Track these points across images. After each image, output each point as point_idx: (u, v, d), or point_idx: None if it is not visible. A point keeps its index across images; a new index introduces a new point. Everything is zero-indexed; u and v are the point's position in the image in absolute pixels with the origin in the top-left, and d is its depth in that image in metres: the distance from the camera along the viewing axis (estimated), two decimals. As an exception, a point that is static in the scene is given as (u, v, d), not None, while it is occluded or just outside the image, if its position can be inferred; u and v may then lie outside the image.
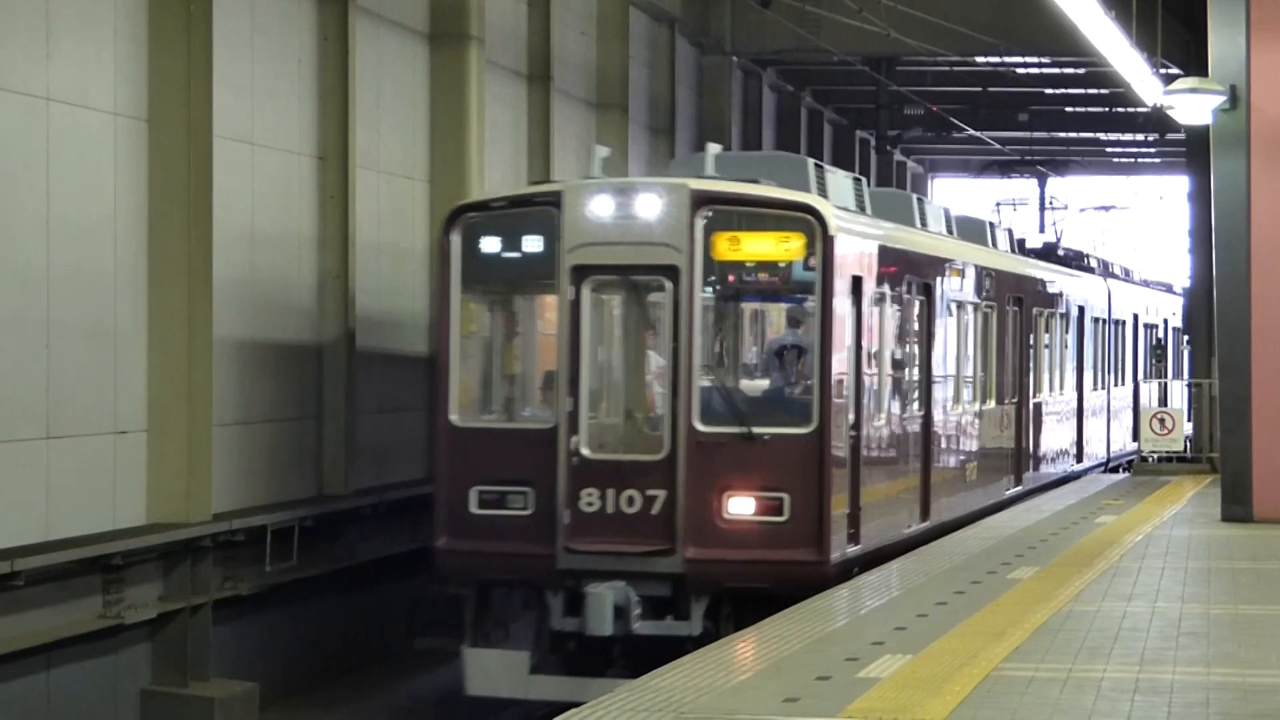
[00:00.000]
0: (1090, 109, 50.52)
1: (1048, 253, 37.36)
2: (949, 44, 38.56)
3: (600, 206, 17.62)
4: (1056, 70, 43.77)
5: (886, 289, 20.73)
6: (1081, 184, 64.94)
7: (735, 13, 38.71)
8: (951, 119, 50.52)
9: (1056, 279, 36.07)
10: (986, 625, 15.27)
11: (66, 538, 18.77)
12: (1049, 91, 49.10)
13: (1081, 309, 37.19)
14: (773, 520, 17.24)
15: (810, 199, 18.33)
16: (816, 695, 12.04)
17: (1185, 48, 29.32)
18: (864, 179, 23.20)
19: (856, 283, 18.90)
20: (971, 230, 28.98)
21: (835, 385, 18.26)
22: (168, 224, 20.13)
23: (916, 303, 22.38)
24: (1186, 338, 44.84)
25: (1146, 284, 50.45)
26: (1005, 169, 55.73)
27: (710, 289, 17.86)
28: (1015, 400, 30.56)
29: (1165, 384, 44.46)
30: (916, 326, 22.53)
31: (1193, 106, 24.63)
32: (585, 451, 17.46)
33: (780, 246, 17.70)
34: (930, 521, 22.10)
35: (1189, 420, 37.92)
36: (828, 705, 11.69)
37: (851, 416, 18.83)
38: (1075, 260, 39.00)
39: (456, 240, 18.35)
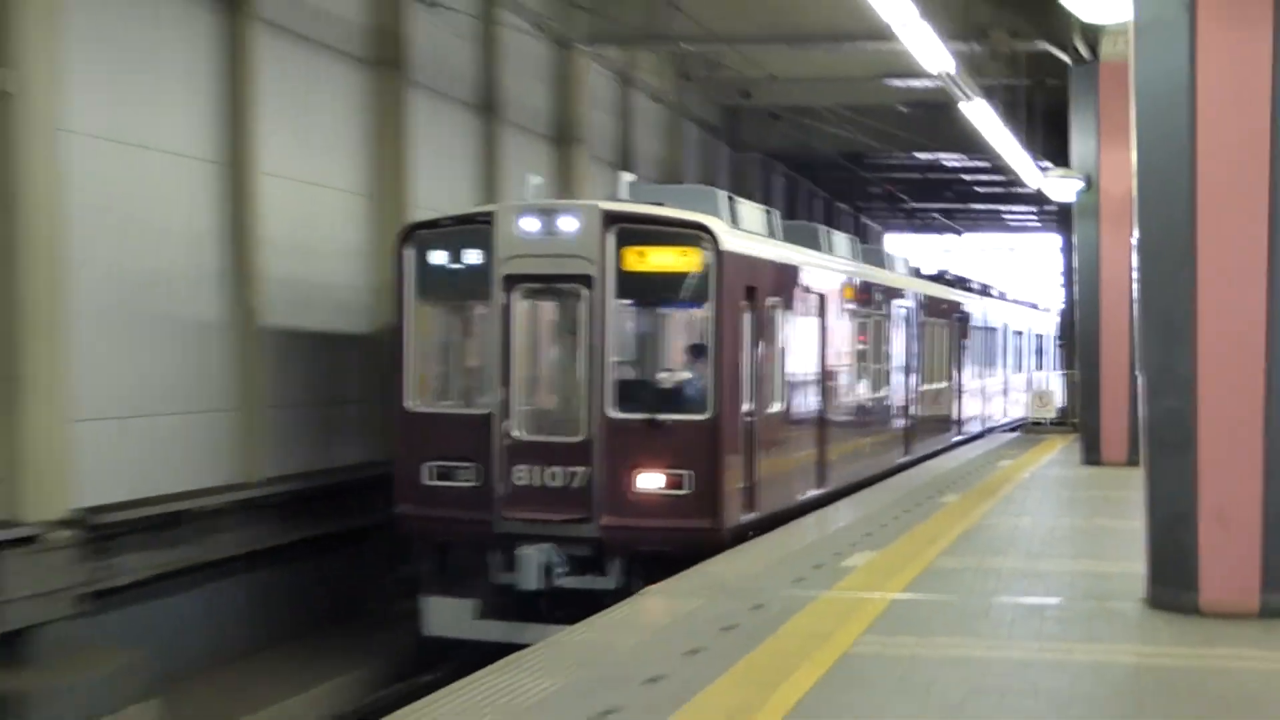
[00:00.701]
0: (993, 189, 50.96)
1: (939, 277, 36.08)
2: (898, 145, 39.01)
3: (527, 225, 16.07)
4: (971, 163, 43.97)
5: (781, 297, 18.58)
6: (985, 238, 70.39)
7: (756, 122, 39.29)
8: (899, 194, 51.50)
9: (944, 294, 33.18)
10: (925, 533, 15.69)
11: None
12: (965, 177, 49.36)
13: (965, 317, 34.86)
14: (676, 493, 15.55)
15: (705, 219, 16.47)
16: (815, 578, 12.63)
17: (1057, 149, 29.87)
18: (776, 211, 21.23)
19: (751, 291, 17.05)
20: (872, 256, 27.03)
21: (729, 378, 16.26)
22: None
23: (813, 309, 20.25)
24: (1059, 342, 47.63)
25: (1033, 306, 51.42)
26: (934, 228, 62.56)
27: (621, 296, 16.10)
28: (903, 387, 27.65)
29: (1045, 373, 47.86)
30: (813, 328, 20.25)
31: (1061, 189, 25.73)
32: (517, 434, 16.01)
33: (680, 259, 16.08)
34: (827, 488, 20.09)
35: (1061, 398, 39.41)
36: (824, 583, 12.34)
37: (749, 404, 16.86)
38: (960, 283, 37.92)
39: (410, 253, 16.73)
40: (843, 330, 21.96)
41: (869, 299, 24.18)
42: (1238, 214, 10.75)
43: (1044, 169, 28.46)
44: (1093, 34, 23.87)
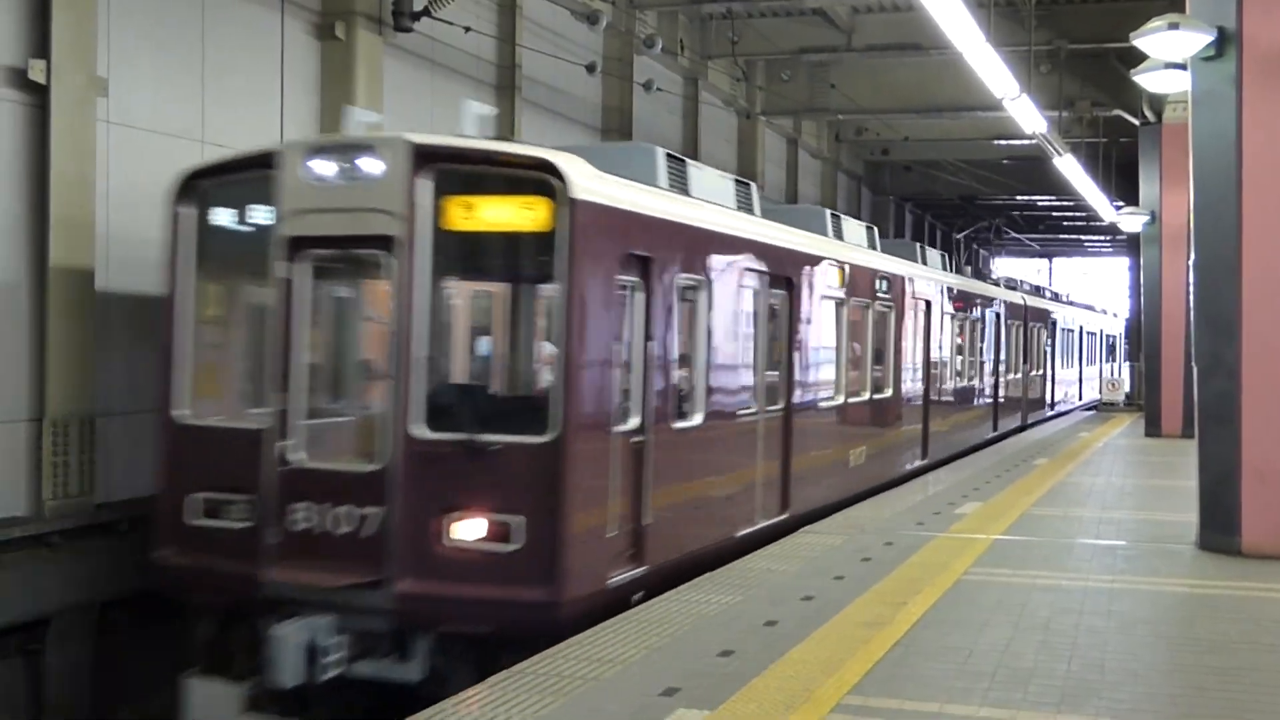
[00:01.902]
0: (1076, 222, 49.76)
1: (1035, 290, 34.09)
2: (1003, 189, 38.66)
3: (320, 168, 8.95)
4: (1059, 202, 43.03)
5: (709, 277, 10.70)
6: (1069, 261, 67.60)
7: (893, 173, 39.08)
8: (1003, 228, 50.53)
9: (1026, 301, 28.80)
10: (1022, 488, 15.30)
11: None
12: (1055, 213, 48.23)
13: (1054, 321, 32.23)
14: (501, 548, 8.44)
15: (553, 155, 8.86)
16: (934, 522, 12.43)
17: (1128, 191, 29.29)
18: (751, 184, 12.90)
19: (644, 264, 9.54)
20: (901, 249, 18.80)
21: (589, 384, 8.81)
22: None
23: (769, 297, 12.19)
24: (1126, 340, 46.17)
25: (1106, 313, 49.86)
26: (1030, 254, 60.72)
27: (440, 265, 8.90)
28: (990, 377, 22.66)
29: (1115, 366, 45.99)
30: (768, 321, 12.23)
31: (1131, 222, 24.99)
32: (295, 458, 8.78)
33: (523, 214, 8.90)
34: (790, 513, 12.45)
35: (1128, 384, 38.49)
36: (941, 526, 12.12)
37: (634, 419, 9.38)
38: (1041, 293, 35.43)
39: (187, 212, 9.43)
40: (824, 325, 14.07)
41: (874, 290, 15.91)
42: (1273, 240, 10.64)
43: (1118, 207, 27.87)
44: (1158, 103, 23.50)
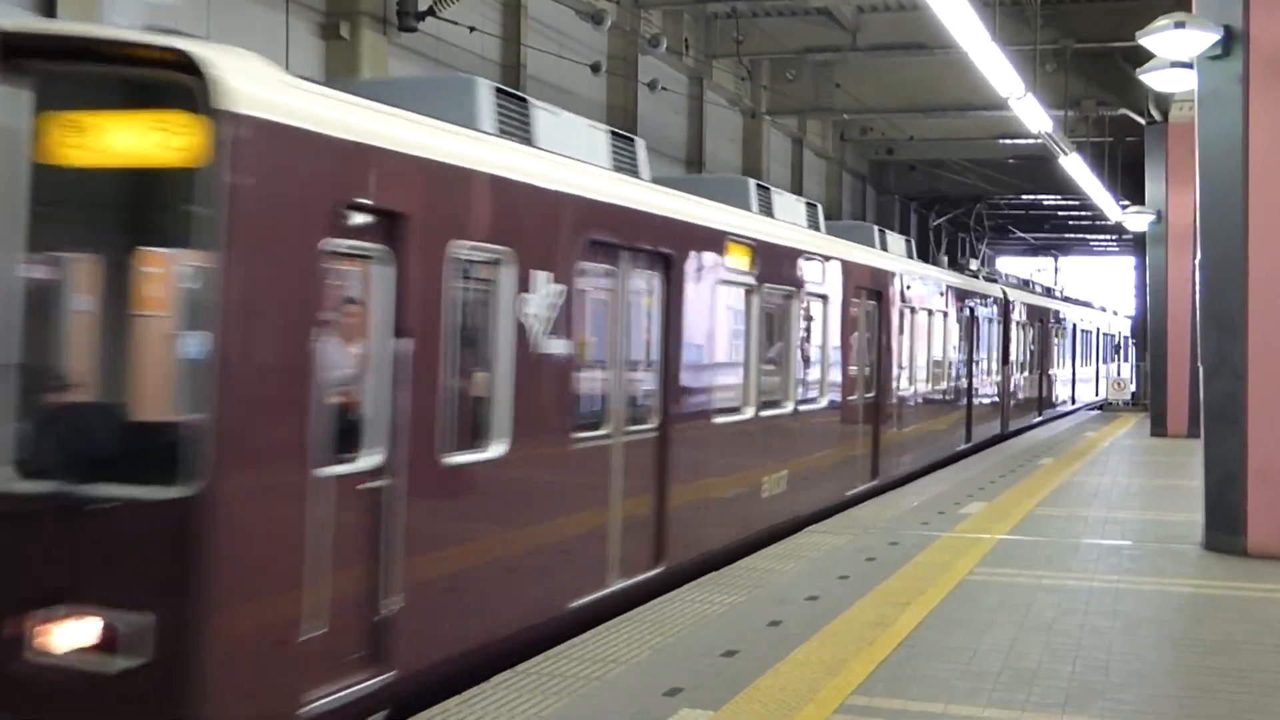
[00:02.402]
0: (1082, 221, 49.74)
1: (1047, 291, 35.35)
2: (1008, 188, 38.70)
3: None
4: (1065, 201, 43.04)
5: (523, 249, 7.44)
6: (1074, 260, 67.23)
7: (897, 172, 39.10)
8: (1008, 226, 50.49)
9: (1040, 301, 29.49)
10: (1026, 489, 15.22)
11: None
12: (1060, 212, 48.23)
13: (1060, 318, 32.09)
14: (113, 665, 5.04)
15: (203, 47, 5.26)
16: (938, 522, 12.39)
17: (1133, 190, 29.26)
18: (637, 140, 9.74)
19: (392, 224, 6.19)
20: (855, 232, 15.72)
21: (263, 407, 5.46)
22: None
23: (635, 279, 9.10)
24: (1132, 340, 45.98)
25: (1111, 311, 49.67)
26: (1034, 251, 60.34)
27: (35, 223, 5.43)
28: (956, 386, 19.98)
29: (1119, 365, 46.57)
30: (635, 312, 9.19)
31: (1137, 221, 25.06)
32: None
33: (154, 140, 5.29)
34: (666, 565, 9.43)
35: (1133, 383, 38.45)
36: (945, 526, 12.09)
37: (374, 455, 6.14)
38: (1049, 292, 36.27)
39: None
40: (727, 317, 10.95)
41: (790, 277, 12.31)
42: (1278, 239, 10.60)
43: (1123, 206, 27.85)
44: (1164, 102, 23.46)
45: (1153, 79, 12.87)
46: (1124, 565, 10.35)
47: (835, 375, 13.88)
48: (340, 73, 14.42)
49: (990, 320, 22.83)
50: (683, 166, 24.93)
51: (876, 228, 16.88)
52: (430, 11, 15.66)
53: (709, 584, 9.23)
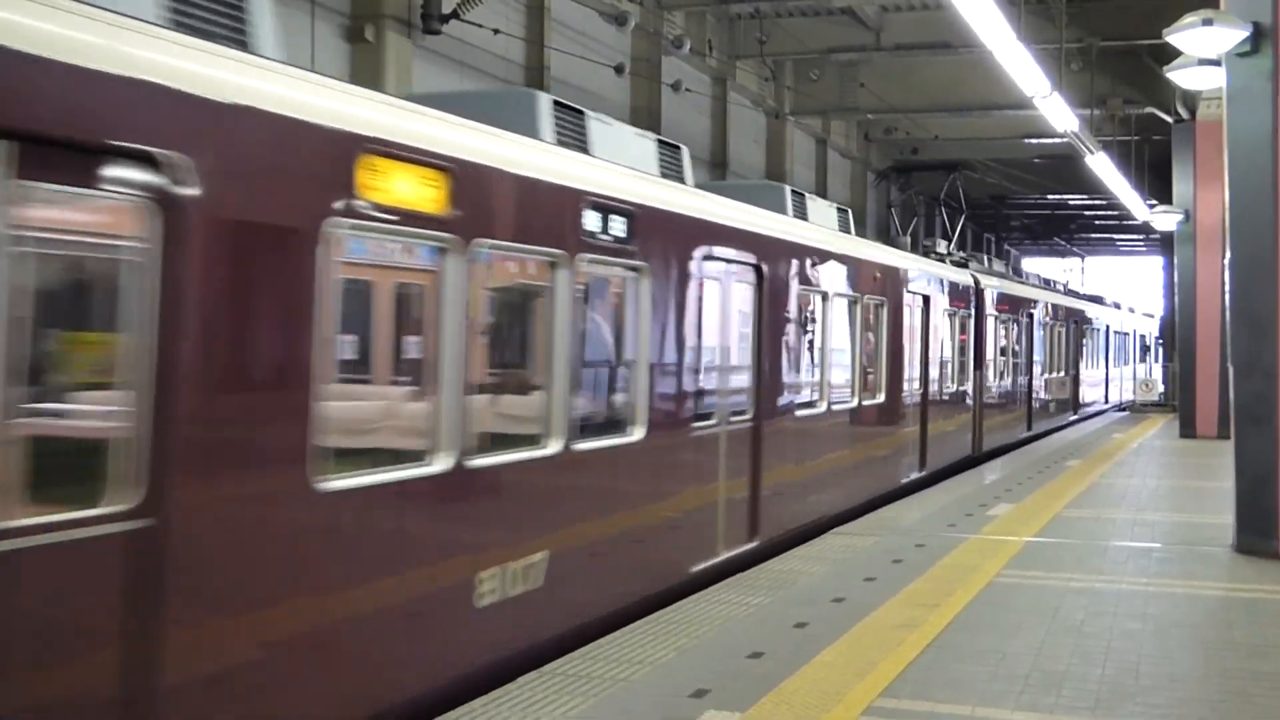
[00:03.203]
0: (1108, 221, 49.44)
1: (1090, 298, 34.69)
2: (1034, 188, 38.45)
3: None
4: (1091, 201, 42.78)
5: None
6: (1101, 261, 66.94)
7: (924, 173, 39.04)
8: (1034, 226, 50.26)
9: (1063, 301, 28.81)
10: (1054, 490, 15.15)
11: None
12: (1086, 212, 47.94)
13: (1087, 320, 31.77)
14: None
15: None
16: (965, 523, 12.33)
17: (1161, 189, 29.08)
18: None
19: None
20: (764, 194, 12.30)
21: None
22: None
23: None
24: (1160, 340, 45.70)
25: (1140, 312, 49.22)
26: (1060, 252, 59.97)
27: None
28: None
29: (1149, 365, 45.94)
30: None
31: (1165, 221, 24.91)
32: None
33: None
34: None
35: (1162, 383, 38.11)
36: (972, 528, 12.06)
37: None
38: (1087, 297, 35.71)
39: None
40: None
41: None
42: None
43: (1151, 205, 27.71)
44: (1191, 100, 23.31)
45: (1180, 76, 12.79)
46: (1154, 568, 10.26)
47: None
48: (365, 76, 14.45)
49: (955, 313, 18.90)
50: (706, 167, 24.90)
51: (789, 189, 12.89)
52: (454, 14, 15.68)
53: (735, 585, 9.20)
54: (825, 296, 12.73)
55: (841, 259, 13.22)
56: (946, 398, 18.20)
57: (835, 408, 13.25)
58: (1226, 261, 11.31)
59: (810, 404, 12.51)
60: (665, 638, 7.57)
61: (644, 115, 21.69)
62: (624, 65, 20.84)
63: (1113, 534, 11.95)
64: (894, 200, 22.26)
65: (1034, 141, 32.42)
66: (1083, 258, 63.91)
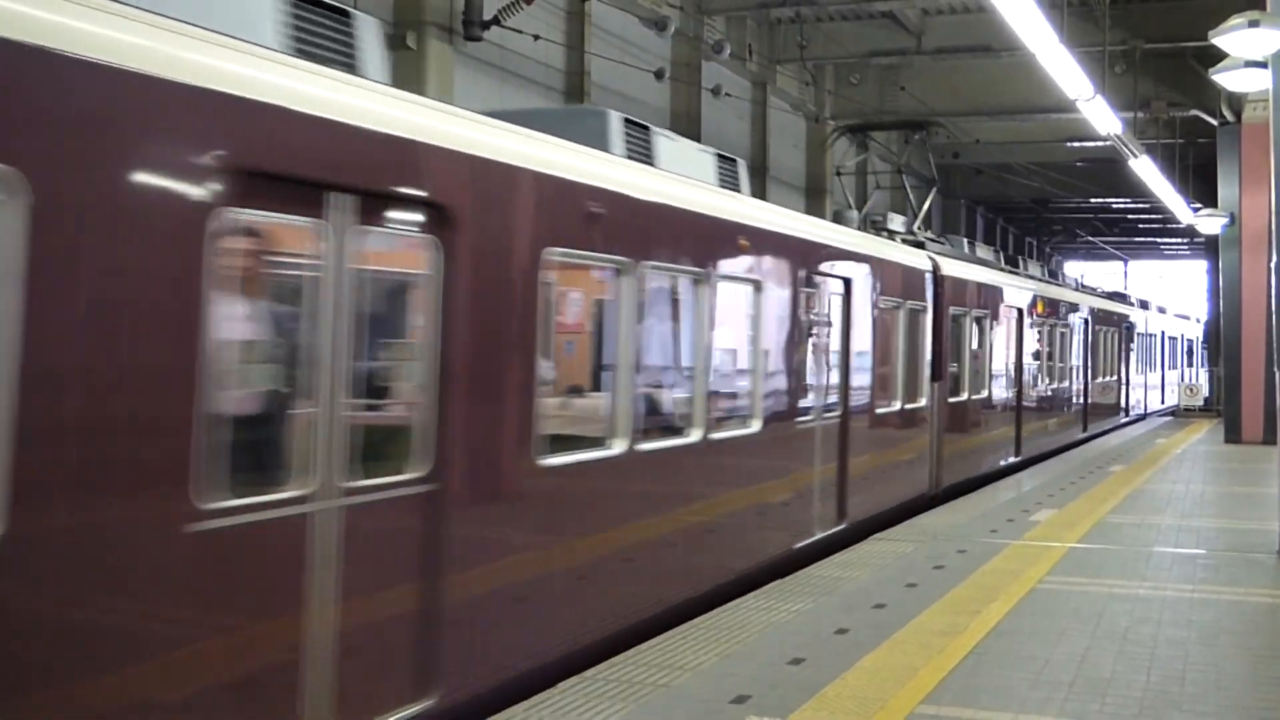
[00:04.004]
0: (1152, 224, 48.93)
1: (1113, 295, 33.34)
2: (1076, 192, 38.11)
3: None
4: (1134, 204, 42.35)
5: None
6: (1145, 265, 65.89)
7: (963, 176, 38.84)
8: (1076, 230, 49.86)
9: (1110, 306, 28.02)
10: (1097, 495, 15.03)
11: None
12: (1130, 216, 47.47)
13: (1132, 325, 30.91)
14: None
15: None
16: (1007, 529, 12.27)
17: (1205, 192, 28.78)
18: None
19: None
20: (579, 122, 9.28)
21: None
22: None
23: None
24: (1205, 345, 45.04)
25: (1184, 317, 48.50)
26: (1104, 256, 59.68)
27: None
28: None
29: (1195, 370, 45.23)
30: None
31: (1209, 224, 24.61)
32: None
33: None
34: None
35: (1207, 389, 37.59)
36: (1014, 533, 12.00)
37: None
38: (1121, 298, 34.12)
39: None
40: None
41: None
42: None
43: (1195, 209, 27.40)
44: (1236, 102, 23.08)
45: (1226, 79, 12.67)
46: (1199, 574, 10.16)
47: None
48: (407, 83, 14.54)
49: (905, 309, 14.38)
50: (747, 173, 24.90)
51: (650, 126, 9.39)
52: (495, 20, 15.75)
53: (776, 591, 9.19)
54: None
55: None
56: (869, 417, 12.85)
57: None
58: (1273, 265, 11.20)
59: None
60: (706, 643, 7.57)
61: (683, 120, 21.70)
62: (664, 70, 20.86)
63: (1157, 540, 11.85)
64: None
65: (1076, 145, 32.19)
66: (1125, 261, 63.37)
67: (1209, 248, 37.85)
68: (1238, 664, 7.38)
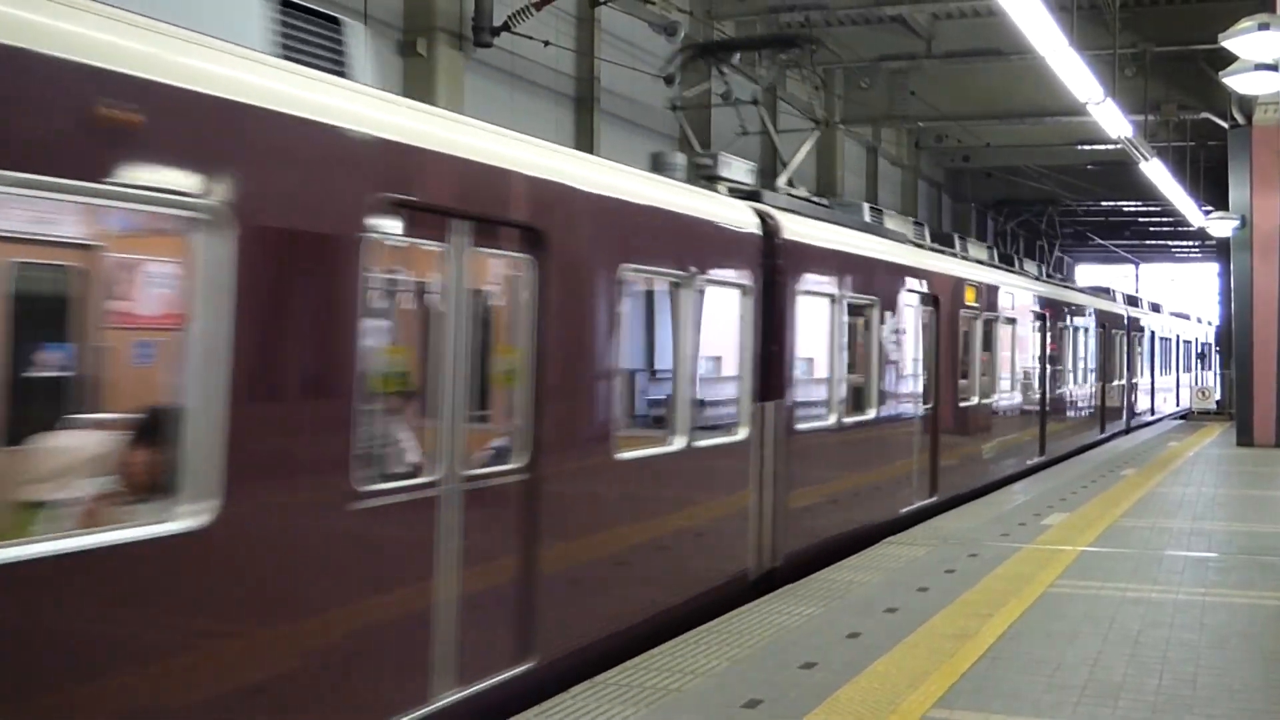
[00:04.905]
0: (1163, 227, 48.79)
1: (1131, 300, 32.92)
2: (1087, 195, 38.01)
3: None
4: (1145, 207, 42.23)
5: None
6: (1157, 268, 65.83)
7: (974, 180, 38.80)
8: (1088, 233, 49.70)
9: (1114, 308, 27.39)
10: (1109, 499, 14.99)
11: None
12: (1141, 218, 47.34)
13: (1142, 328, 30.95)
14: None
15: None
16: (1019, 533, 12.26)
17: (1216, 195, 28.69)
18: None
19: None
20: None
21: None
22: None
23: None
24: (1216, 348, 44.76)
25: (1196, 319, 48.20)
26: (1115, 260, 58.87)
27: None
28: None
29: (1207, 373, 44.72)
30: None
31: (1220, 227, 24.42)
32: None
33: None
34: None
35: (1219, 392, 37.38)
36: (1026, 537, 11.97)
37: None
38: (1138, 302, 33.79)
39: None
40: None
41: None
42: None
43: (1206, 211, 27.36)
44: (1248, 104, 22.96)
45: (1236, 82, 12.66)
46: (1211, 578, 10.14)
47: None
48: (418, 89, 14.57)
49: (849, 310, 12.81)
50: (757, 177, 24.90)
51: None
52: (506, 26, 15.78)
53: (787, 595, 9.19)
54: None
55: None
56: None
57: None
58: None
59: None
60: (717, 648, 7.57)
61: (695, 126, 21.72)
62: (674, 76, 20.87)
63: (1169, 543, 11.82)
64: (946, 209, 20.81)
65: (1087, 148, 32.13)
66: (1137, 264, 63.16)
67: (1220, 250, 37.77)
68: (1250, 667, 7.37)
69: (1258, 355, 23.33)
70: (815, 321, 11.37)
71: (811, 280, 11.19)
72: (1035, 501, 14.88)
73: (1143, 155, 21.77)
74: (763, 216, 10.42)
